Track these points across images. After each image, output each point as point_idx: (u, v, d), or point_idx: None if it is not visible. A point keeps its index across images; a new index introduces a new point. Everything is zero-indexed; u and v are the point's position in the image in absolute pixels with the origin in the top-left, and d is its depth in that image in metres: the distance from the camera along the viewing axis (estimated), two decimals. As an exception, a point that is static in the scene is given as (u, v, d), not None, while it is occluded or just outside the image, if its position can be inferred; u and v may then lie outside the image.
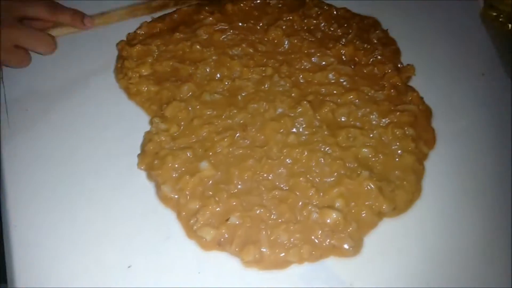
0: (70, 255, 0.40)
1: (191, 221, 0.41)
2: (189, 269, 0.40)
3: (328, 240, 0.41)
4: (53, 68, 0.53)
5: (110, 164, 0.46)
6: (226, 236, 0.41)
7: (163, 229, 0.42)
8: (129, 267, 0.39)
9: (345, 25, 0.60)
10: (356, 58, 0.56)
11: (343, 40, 0.57)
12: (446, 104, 0.53)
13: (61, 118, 0.49)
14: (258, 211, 0.42)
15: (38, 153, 0.46)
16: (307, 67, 0.55)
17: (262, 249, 0.40)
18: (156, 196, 0.44)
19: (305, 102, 0.50)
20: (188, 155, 0.45)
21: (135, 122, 0.49)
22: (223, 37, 0.57)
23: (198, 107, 0.50)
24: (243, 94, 0.51)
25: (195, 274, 0.39)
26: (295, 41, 0.57)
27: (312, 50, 0.56)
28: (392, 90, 0.52)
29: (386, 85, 0.52)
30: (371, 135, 0.48)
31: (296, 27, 0.59)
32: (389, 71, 0.54)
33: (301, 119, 0.49)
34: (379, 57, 0.56)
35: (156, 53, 0.55)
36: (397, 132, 0.48)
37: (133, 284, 0.38)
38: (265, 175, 0.44)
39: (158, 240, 0.41)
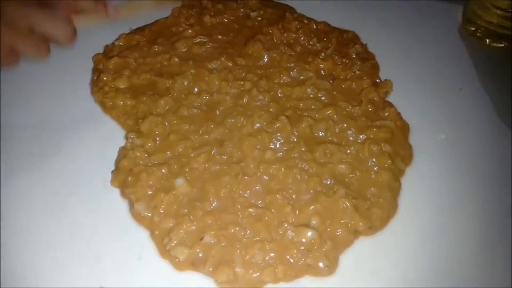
0: (39, 275, 0.39)
1: (165, 240, 0.40)
2: (162, 291, 0.39)
3: (303, 259, 0.40)
4: (26, 77, 0.52)
5: (83, 180, 0.45)
6: (200, 255, 0.40)
7: (135, 249, 0.41)
8: (100, 288, 0.38)
9: (325, 39, 0.60)
10: (334, 73, 0.56)
11: (322, 54, 0.58)
12: (423, 120, 0.54)
13: (34, 130, 0.48)
14: (233, 230, 0.41)
15: (8, 165, 0.45)
16: (286, 81, 0.55)
17: (236, 269, 0.39)
18: (130, 214, 0.43)
19: (283, 117, 0.50)
20: (164, 171, 0.45)
21: (111, 137, 0.48)
22: (202, 49, 0.57)
23: (175, 121, 0.49)
24: (221, 109, 0.51)
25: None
26: (274, 55, 0.57)
27: (291, 64, 0.56)
28: (369, 106, 0.52)
29: (363, 100, 0.52)
30: (348, 151, 0.48)
31: (275, 40, 0.59)
32: (367, 86, 0.54)
33: (279, 134, 0.49)
34: (357, 72, 0.56)
35: (134, 65, 0.55)
36: (374, 149, 0.48)
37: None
38: (241, 192, 0.44)
39: (131, 260, 0.40)
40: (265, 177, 0.45)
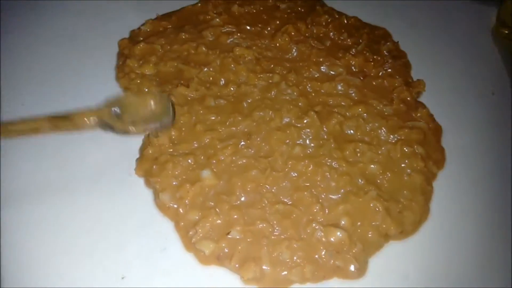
0: (62, 263, 0.38)
1: (190, 233, 0.39)
2: (185, 284, 0.38)
3: (332, 261, 0.39)
4: (51, 63, 0.51)
5: (107, 168, 0.44)
6: (226, 250, 0.39)
7: (160, 240, 0.40)
8: (122, 278, 0.37)
9: (355, 34, 0.58)
10: (365, 70, 0.54)
11: (353, 50, 0.56)
12: (455, 123, 0.52)
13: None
14: (260, 226, 0.40)
15: (34, 155, 0.44)
16: (315, 76, 0.53)
17: (263, 267, 0.38)
18: (154, 204, 0.42)
19: (312, 112, 0.48)
20: (190, 162, 0.43)
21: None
22: (230, 39, 0.56)
23: (201, 112, 0.48)
24: (248, 101, 0.50)
25: (191, 289, 0.37)
26: (303, 48, 0.55)
27: (321, 59, 0.55)
28: (401, 105, 0.50)
29: (395, 99, 0.51)
30: (380, 152, 0.46)
31: (304, 34, 0.57)
32: (399, 85, 0.52)
33: (308, 130, 0.47)
34: (389, 70, 0.54)
35: (160, 52, 0.53)
36: (406, 150, 0.46)
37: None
38: (268, 187, 0.43)
39: (155, 251, 0.39)
40: (293, 173, 0.44)
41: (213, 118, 0.48)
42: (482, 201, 0.45)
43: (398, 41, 0.59)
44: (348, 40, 0.57)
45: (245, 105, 0.49)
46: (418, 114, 0.50)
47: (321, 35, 0.58)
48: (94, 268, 0.37)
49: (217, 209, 0.41)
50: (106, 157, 0.45)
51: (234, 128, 0.47)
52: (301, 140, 0.47)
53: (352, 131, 0.48)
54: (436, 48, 0.60)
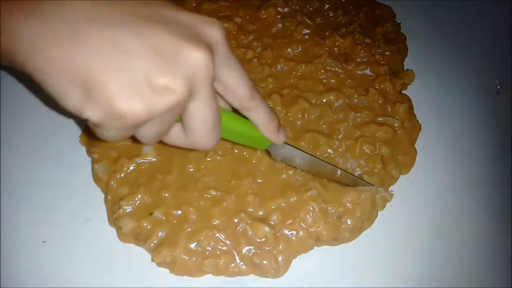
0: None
1: (114, 207, 0.39)
2: (102, 257, 0.38)
3: (251, 257, 0.37)
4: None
5: (57, 130, 0.44)
6: (148, 228, 0.38)
7: (87, 209, 0.40)
8: (43, 242, 0.38)
9: (352, 12, 0.53)
10: (350, 53, 0.49)
11: (343, 30, 0.51)
12: (440, 124, 0.46)
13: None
14: (185, 210, 0.39)
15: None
16: (292, 55, 0.49)
17: (177, 253, 0.37)
18: (91, 174, 0.42)
19: (276, 95, 0.45)
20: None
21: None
22: (211, 7, 0.52)
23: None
24: (212, 76, 0.47)
25: (106, 263, 0.38)
26: (288, 24, 0.51)
27: (306, 37, 0.50)
28: (378, 97, 0.46)
29: (371, 90, 0.46)
30: (335, 146, 0.42)
31: (294, 7, 0.52)
32: (383, 73, 0.47)
33: (266, 114, 0.44)
34: (377, 55, 0.49)
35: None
36: (366, 149, 0.42)
37: (43, 260, 0.37)
38: (206, 171, 0.41)
39: (80, 219, 0.39)
40: (237, 159, 0.42)
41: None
42: (441, 217, 0.41)
43: (400, 23, 0.53)
44: (341, 18, 0.52)
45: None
46: (396, 109, 0.45)
47: (312, 9, 0.53)
48: (16, 229, 0.39)
49: (147, 187, 0.40)
50: (57, 120, 0.44)
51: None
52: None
53: (314, 121, 0.44)
54: (443, 36, 0.53)
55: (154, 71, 0.23)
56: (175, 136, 0.29)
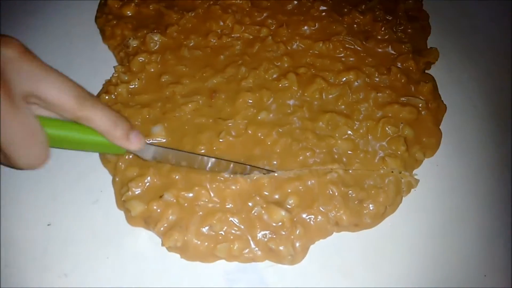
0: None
1: (122, 190, 0.37)
2: (109, 240, 0.36)
3: (266, 241, 0.35)
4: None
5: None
6: (158, 211, 0.36)
7: (94, 191, 0.38)
8: (48, 224, 0.37)
9: (373, -13, 0.50)
10: (370, 30, 0.46)
11: (363, 6, 0.48)
12: (467, 106, 0.44)
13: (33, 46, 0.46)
14: (197, 192, 0.37)
15: None
16: (308, 32, 0.47)
17: (189, 237, 0.35)
18: (98, 155, 0.40)
19: (292, 74, 0.43)
20: (144, 114, 0.41)
21: (102, 67, 0.45)
22: (225, -17, 0.50)
23: (171, 61, 0.44)
24: (226, 54, 0.45)
25: (114, 247, 0.36)
26: (304, 0, 0.48)
27: (323, 14, 0.48)
28: (400, 76, 0.43)
29: (393, 69, 0.43)
30: (355, 127, 0.40)
31: (313, -18, 0.50)
32: (406, 51, 0.44)
33: (281, 94, 0.42)
34: (399, 33, 0.46)
35: (146, -8, 0.49)
36: (389, 130, 0.39)
37: (49, 243, 0.36)
38: (218, 152, 0.39)
39: (87, 202, 0.38)
40: (251, 140, 0.40)
41: (183, 69, 0.44)
42: (466, 203, 0.38)
43: (422, 0, 0.50)
44: (362, -8, 0.49)
45: (221, 59, 0.45)
46: (420, 89, 0.43)
47: (331, -15, 0.50)
48: (22, 211, 0.37)
49: (156, 169, 0.38)
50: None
51: (201, 83, 0.43)
52: (271, 104, 0.42)
53: (332, 101, 0.42)
54: (469, 15, 0.50)
55: None
56: None
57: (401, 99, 0.42)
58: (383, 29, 0.46)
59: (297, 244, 0.35)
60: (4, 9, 0.48)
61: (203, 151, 0.39)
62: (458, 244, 0.37)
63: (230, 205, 0.36)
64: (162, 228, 0.35)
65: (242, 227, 0.36)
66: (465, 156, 0.41)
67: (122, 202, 0.37)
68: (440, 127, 0.42)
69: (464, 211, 0.38)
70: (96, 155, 0.40)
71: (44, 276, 0.35)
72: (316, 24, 0.47)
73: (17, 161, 0.27)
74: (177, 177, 0.37)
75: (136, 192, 0.37)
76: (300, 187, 0.37)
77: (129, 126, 0.31)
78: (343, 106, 0.42)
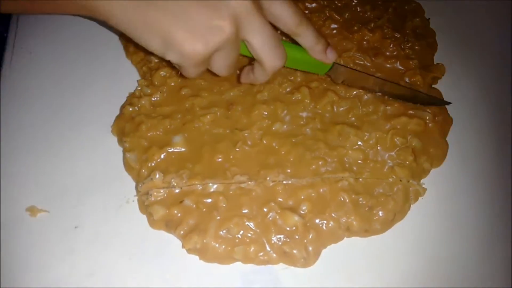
0: (16, 204, 0.40)
1: (146, 195, 0.39)
2: (132, 243, 0.38)
3: (281, 245, 0.37)
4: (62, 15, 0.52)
5: (90, 120, 0.45)
6: (179, 215, 0.39)
7: (119, 197, 0.41)
8: (76, 227, 0.39)
9: (381, 7, 0.53)
10: (379, 47, 0.49)
11: (372, 24, 0.51)
12: (473, 119, 0.45)
13: (60, 65, 0.49)
14: (215, 198, 0.39)
15: (32, 97, 0.46)
16: (320, 49, 0.49)
17: (208, 240, 0.37)
18: (122, 162, 0.42)
19: (305, 88, 0.45)
20: (165, 125, 0.43)
21: (126, 81, 0.47)
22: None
23: (191, 76, 0.47)
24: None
25: (136, 249, 0.38)
26: (316, 18, 0.51)
27: (334, 31, 0.51)
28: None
29: (402, 83, 0.45)
30: (365, 138, 0.42)
31: (322, 2, 0.53)
32: (413, 67, 0.47)
33: (295, 106, 0.44)
34: (407, 50, 0.49)
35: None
36: (397, 141, 0.42)
37: (75, 244, 0.38)
38: (235, 161, 0.41)
39: (112, 207, 0.40)
40: (266, 150, 0.42)
41: (202, 83, 0.46)
42: (471, 211, 0.40)
43: (429, 18, 0.52)
44: (370, 13, 0.52)
45: (238, 73, 0.47)
46: (427, 103, 0.45)
47: (340, 4, 0.53)
48: (51, 215, 0.39)
49: (177, 176, 0.40)
50: (93, 109, 0.45)
51: (219, 96, 0.45)
52: (285, 116, 0.44)
53: (343, 113, 0.44)
54: (473, 33, 0.52)
55: (207, 17, 0.31)
56: (246, 73, 0.39)
57: (409, 111, 0.44)
58: (391, 46, 0.49)
59: (310, 248, 0.37)
60: (34, 25, 0.52)
61: (220, 159, 0.41)
62: (463, 251, 0.38)
63: (246, 210, 0.38)
64: (182, 232, 0.38)
65: (258, 231, 0.38)
66: (470, 167, 0.43)
67: (145, 207, 0.39)
68: (446, 139, 0.44)
69: (469, 219, 0.40)
70: (119, 162, 0.42)
71: (71, 276, 0.37)
72: (328, 41, 0.49)
73: (272, 61, 0.35)
74: (195, 185, 0.40)
75: (158, 198, 0.39)
76: (313, 194, 0.39)
77: (327, 44, 0.39)
78: (353, 118, 0.44)
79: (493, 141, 0.44)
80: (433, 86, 0.47)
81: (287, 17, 0.35)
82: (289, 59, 0.37)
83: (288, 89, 0.46)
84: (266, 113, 0.44)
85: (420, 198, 0.40)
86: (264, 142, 0.42)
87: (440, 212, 0.40)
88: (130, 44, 0.50)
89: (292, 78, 0.47)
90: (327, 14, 0.51)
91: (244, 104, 0.45)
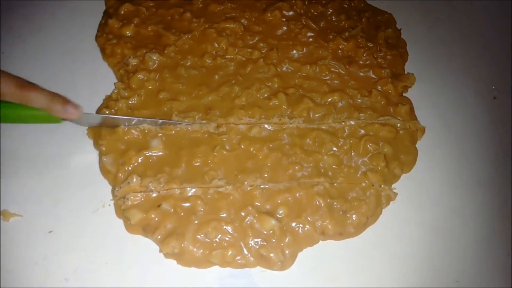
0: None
1: (122, 199, 0.39)
2: (109, 247, 0.38)
3: (258, 249, 0.38)
4: (42, 13, 0.52)
5: (66, 122, 0.43)
6: (156, 220, 0.39)
7: (95, 201, 0.40)
8: (50, 232, 0.38)
9: (355, 17, 0.54)
10: (353, 56, 0.51)
11: (346, 34, 0.52)
12: (442, 126, 0.48)
13: (33, 66, 0.48)
14: (193, 202, 0.39)
15: None
16: (297, 56, 0.50)
17: (185, 244, 0.37)
18: (98, 166, 0.42)
19: (282, 94, 0.46)
20: (144, 129, 0.43)
21: (102, 83, 0.47)
22: (218, 8, 0.54)
23: (169, 80, 0.47)
24: (220, 73, 0.48)
25: (113, 254, 0.38)
26: (293, 26, 0.52)
27: (310, 40, 0.52)
28: (380, 98, 0.47)
29: (374, 91, 0.47)
30: (340, 144, 0.43)
31: (299, 11, 0.54)
32: (385, 76, 0.49)
33: (272, 112, 0.45)
34: (379, 59, 0.50)
35: (145, 15, 0.52)
36: (370, 147, 0.43)
37: (50, 249, 0.37)
38: (213, 165, 0.41)
39: (87, 210, 0.40)
40: (244, 154, 0.42)
41: (180, 87, 0.47)
42: (440, 214, 0.42)
43: (401, 29, 0.54)
44: (344, 22, 0.54)
45: (216, 78, 0.48)
46: (398, 110, 0.47)
47: (316, 13, 0.54)
48: (24, 220, 0.39)
49: (155, 180, 0.40)
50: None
51: (197, 101, 0.46)
52: (262, 121, 0.45)
53: (318, 120, 0.45)
54: (443, 43, 0.55)
55: None
56: None
57: (380, 118, 0.46)
58: (364, 55, 0.50)
59: (287, 251, 0.38)
60: (7, 26, 0.51)
61: (198, 163, 0.41)
62: (432, 251, 0.40)
63: (224, 214, 0.39)
64: (159, 236, 0.38)
65: (236, 235, 0.38)
66: (439, 173, 0.45)
67: (122, 211, 0.39)
68: (416, 146, 0.46)
69: (437, 222, 0.42)
70: (94, 165, 0.42)
71: (45, 280, 0.36)
72: (304, 49, 0.51)
73: None
74: (173, 189, 0.40)
75: (135, 202, 0.39)
76: (290, 199, 0.40)
77: (65, 100, 0.37)
78: (327, 125, 0.45)
79: (461, 148, 0.47)
80: (403, 94, 0.49)
81: (4, 88, 0.35)
82: (12, 117, 0.37)
83: (265, 95, 0.46)
84: (247, 120, 0.45)
85: (391, 202, 0.42)
86: (242, 146, 0.43)
87: (411, 215, 0.42)
88: (108, 46, 0.49)
89: (269, 84, 0.47)
90: (304, 23, 0.53)
91: (222, 108, 0.45)
